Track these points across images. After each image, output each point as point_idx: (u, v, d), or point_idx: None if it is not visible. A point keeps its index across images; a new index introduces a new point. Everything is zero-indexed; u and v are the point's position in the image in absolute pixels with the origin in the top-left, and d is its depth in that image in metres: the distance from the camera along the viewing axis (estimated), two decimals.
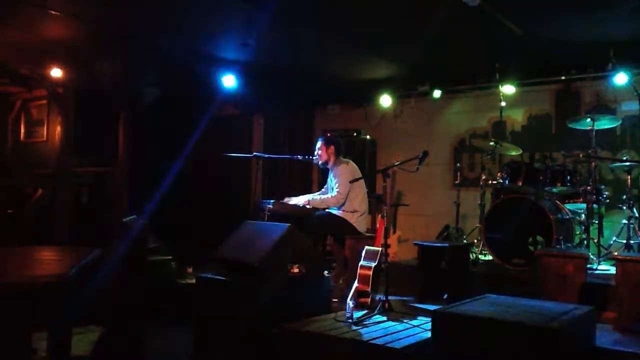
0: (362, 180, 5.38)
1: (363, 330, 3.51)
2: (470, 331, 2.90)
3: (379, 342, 3.25)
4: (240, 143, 7.70)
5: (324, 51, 6.46)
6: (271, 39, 5.86)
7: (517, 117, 7.25)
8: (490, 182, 6.03)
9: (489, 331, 2.83)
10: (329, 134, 6.04)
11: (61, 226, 6.78)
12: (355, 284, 4.24)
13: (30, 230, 6.84)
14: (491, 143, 6.06)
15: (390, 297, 4.13)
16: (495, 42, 5.95)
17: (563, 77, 6.79)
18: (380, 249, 4.28)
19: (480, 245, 5.78)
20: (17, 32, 5.61)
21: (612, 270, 4.44)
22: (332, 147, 5.53)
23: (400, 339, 3.34)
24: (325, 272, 4.68)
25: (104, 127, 7.61)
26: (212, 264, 4.44)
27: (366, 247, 4.41)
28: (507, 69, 6.59)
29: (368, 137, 7.76)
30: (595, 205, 5.41)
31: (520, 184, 5.51)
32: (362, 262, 4.31)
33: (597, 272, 4.98)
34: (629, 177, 5.47)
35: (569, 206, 5.58)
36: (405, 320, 3.82)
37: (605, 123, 5.61)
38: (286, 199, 5.48)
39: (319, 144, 5.59)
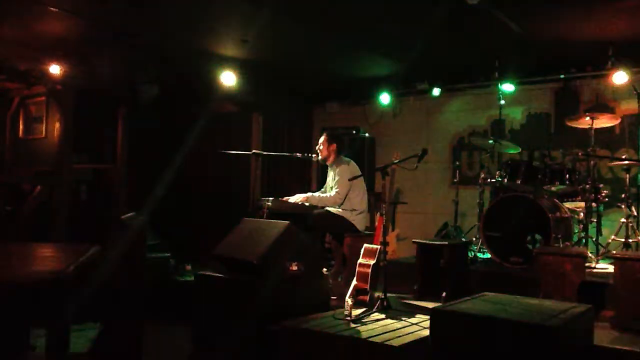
0: (362, 179, 5.37)
1: (361, 328, 3.52)
2: (468, 329, 2.90)
3: (377, 339, 3.25)
4: (239, 140, 7.69)
5: (323, 49, 6.46)
6: (270, 36, 5.86)
7: (516, 116, 7.26)
8: (489, 180, 6.03)
9: (487, 329, 2.84)
10: (327, 131, 6.01)
11: (60, 223, 6.77)
12: (354, 282, 4.25)
13: (28, 228, 6.83)
14: (490, 141, 6.06)
15: (388, 295, 4.13)
16: (494, 41, 5.96)
17: (562, 76, 6.80)
18: (379, 246, 4.29)
19: (479, 244, 5.79)
20: (16, 28, 5.61)
21: (611, 268, 4.44)
22: (335, 145, 5.52)
23: (399, 336, 3.34)
24: (324, 269, 4.68)
25: (103, 124, 7.60)
26: (211, 261, 4.44)
27: (365, 245, 4.41)
28: (506, 68, 6.60)
29: (367, 135, 7.76)
30: (593, 204, 5.42)
31: (519, 182, 5.51)
32: (360, 260, 4.31)
33: (595, 270, 4.98)
34: (627, 175, 5.47)
35: (567, 205, 5.58)
36: (403, 318, 3.82)
37: (604, 122, 5.61)
38: (285, 198, 5.48)
39: (321, 139, 5.59)
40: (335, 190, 5.35)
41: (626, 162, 5.56)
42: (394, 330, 3.51)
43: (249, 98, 7.63)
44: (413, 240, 5.16)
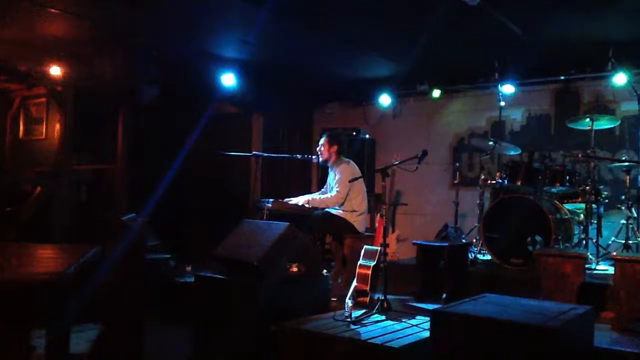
0: (362, 180, 5.38)
1: (361, 330, 3.52)
2: (468, 331, 2.90)
3: (377, 341, 3.25)
4: (239, 141, 7.69)
5: (323, 50, 6.46)
6: (270, 37, 5.86)
7: (516, 117, 7.25)
8: (489, 181, 6.03)
9: (487, 331, 2.83)
10: (328, 132, 6.00)
11: (60, 224, 6.77)
12: (354, 283, 4.24)
13: (29, 228, 6.82)
14: (490, 143, 6.06)
15: (388, 297, 4.13)
16: (494, 42, 5.95)
17: (562, 77, 6.79)
18: (379, 248, 4.29)
19: (479, 245, 5.79)
20: (17, 29, 5.60)
21: (611, 270, 4.44)
22: (336, 147, 5.52)
23: (399, 338, 3.34)
24: (324, 271, 4.68)
25: (103, 125, 7.59)
26: (211, 262, 4.44)
27: (365, 246, 4.41)
28: (506, 69, 6.59)
29: (367, 136, 7.76)
30: (594, 205, 5.42)
31: (519, 183, 5.51)
32: (360, 261, 4.31)
33: (595, 272, 4.99)
34: (627, 177, 5.48)
35: (567, 206, 5.58)
36: (403, 320, 3.82)
37: (604, 123, 5.62)
38: (285, 200, 5.48)
39: (322, 140, 5.58)
40: (335, 190, 5.35)
41: (626, 163, 5.56)
42: (394, 331, 3.51)
43: (249, 98, 7.63)
44: (413, 241, 5.17)
